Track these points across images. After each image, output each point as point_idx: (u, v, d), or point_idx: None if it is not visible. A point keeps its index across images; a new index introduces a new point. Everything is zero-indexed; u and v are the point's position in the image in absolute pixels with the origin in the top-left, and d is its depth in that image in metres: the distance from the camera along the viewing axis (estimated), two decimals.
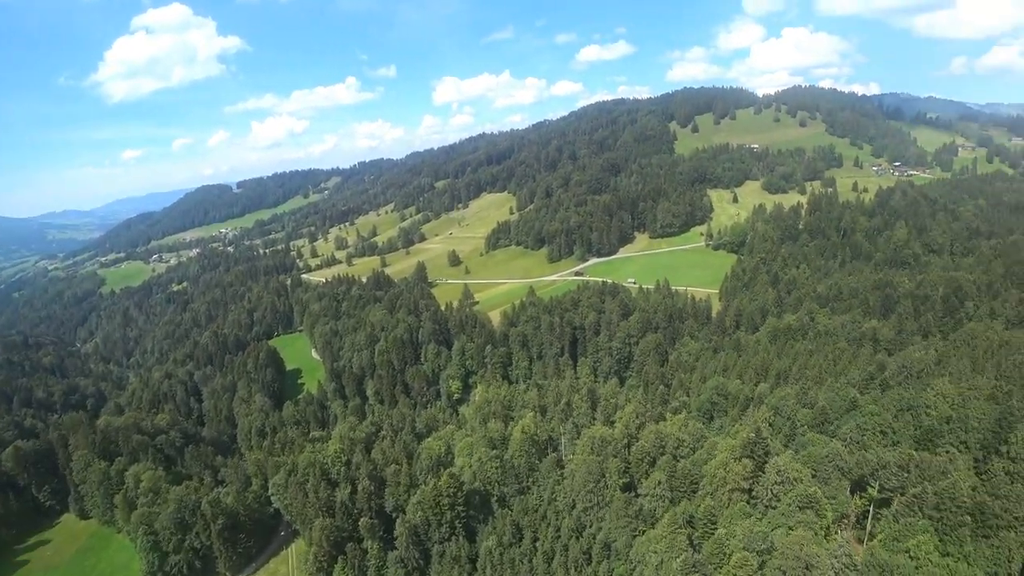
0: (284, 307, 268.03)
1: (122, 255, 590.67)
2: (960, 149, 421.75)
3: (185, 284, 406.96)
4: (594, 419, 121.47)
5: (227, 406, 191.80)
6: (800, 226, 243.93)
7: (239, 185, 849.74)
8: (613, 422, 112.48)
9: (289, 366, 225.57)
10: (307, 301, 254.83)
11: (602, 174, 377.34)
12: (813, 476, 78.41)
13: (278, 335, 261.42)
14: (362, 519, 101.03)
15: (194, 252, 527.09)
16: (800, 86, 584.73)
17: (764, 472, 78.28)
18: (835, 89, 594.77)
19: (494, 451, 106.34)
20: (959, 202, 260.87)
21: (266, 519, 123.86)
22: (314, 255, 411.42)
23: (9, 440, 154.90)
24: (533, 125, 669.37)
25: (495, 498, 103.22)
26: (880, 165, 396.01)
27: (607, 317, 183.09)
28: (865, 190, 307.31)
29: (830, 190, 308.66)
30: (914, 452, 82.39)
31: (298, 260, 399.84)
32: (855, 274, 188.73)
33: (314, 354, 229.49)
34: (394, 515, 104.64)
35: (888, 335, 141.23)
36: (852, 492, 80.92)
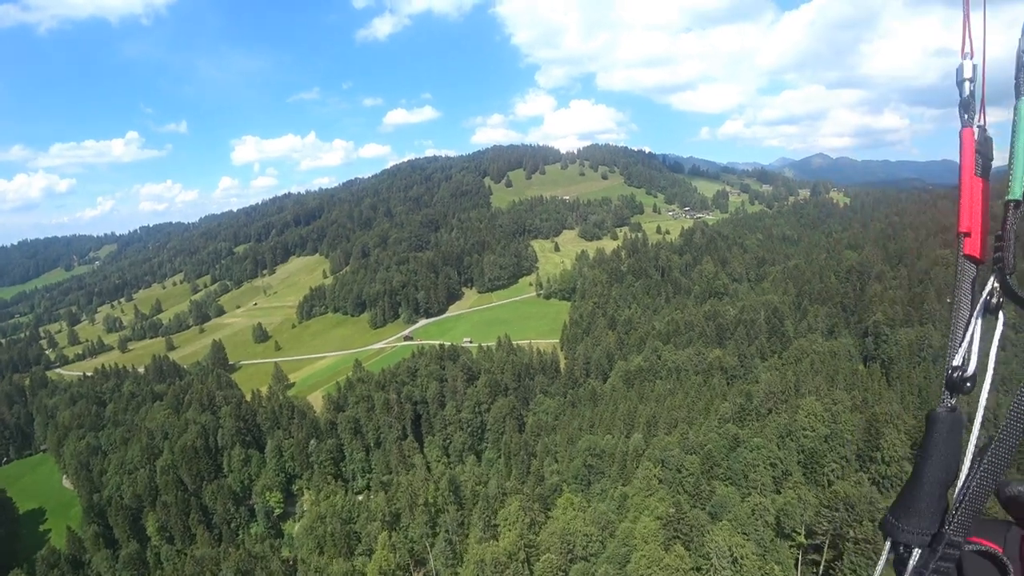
0: (20, 419, 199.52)
1: None
2: (730, 195, 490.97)
3: None
4: (465, 521, 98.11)
5: None
6: (624, 268, 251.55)
7: None
8: (495, 526, 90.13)
9: (25, 506, 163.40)
10: (54, 408, 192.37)
11: (422, 230, 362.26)
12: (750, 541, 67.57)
13: (8, 462, 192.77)
14: None
15: None
16: (598, 144, 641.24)
17: (707, 558, 63.49)
18: (627, 147, 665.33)
19: None
20: (743, 236, 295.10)
21: None
22: (74, 342, 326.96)
23: None
24: (343, 183, 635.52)
25: None
26: (674, 210, 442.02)
27: (451, 385, 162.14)
28: (667, 232, 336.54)
29: (639, 234, 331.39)
30: (837, 487, 78.78)
31: (48, 350, 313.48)
32: (682, 308, 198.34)
33: (66, 483, 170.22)
34: None
35: (732, 362, 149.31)
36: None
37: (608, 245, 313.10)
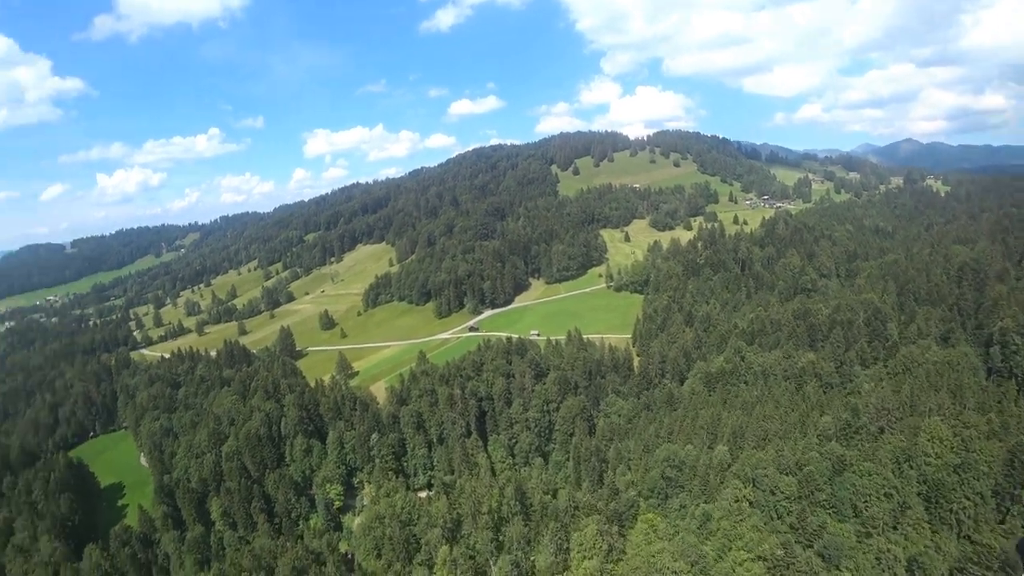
0: (105, 397, 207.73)
1: None
2: (812, 183, 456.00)
3: None
4: (532, 536, 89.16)
5: None
6: (700, 260, 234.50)
7: (74, 244, 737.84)
8: (567, 550, 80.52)
9: (107, 480, 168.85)
10: (134, 387, 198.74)
11: (488, 219, 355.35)
12: None
13: (94, 436, 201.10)
14: None
15: (6, 326, 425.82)
16: (668, 130, 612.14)
17: None
18: (699, 133, 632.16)
19: None
20: (831, 228, 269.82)
21: None
22: (158, 324, 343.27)
23: None
24: (410, 173, 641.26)
25: None
26: (751, 199, 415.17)
27: (518, 381, 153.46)
28: (746, 222, 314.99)
29: (715, 224, 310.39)
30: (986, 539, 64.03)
31: (136, 331, 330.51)
32: (765, 305, 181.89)
33: (142, 460, 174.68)
34: None
35: (827, 368, 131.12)
36: None
37: (682, 235, 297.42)
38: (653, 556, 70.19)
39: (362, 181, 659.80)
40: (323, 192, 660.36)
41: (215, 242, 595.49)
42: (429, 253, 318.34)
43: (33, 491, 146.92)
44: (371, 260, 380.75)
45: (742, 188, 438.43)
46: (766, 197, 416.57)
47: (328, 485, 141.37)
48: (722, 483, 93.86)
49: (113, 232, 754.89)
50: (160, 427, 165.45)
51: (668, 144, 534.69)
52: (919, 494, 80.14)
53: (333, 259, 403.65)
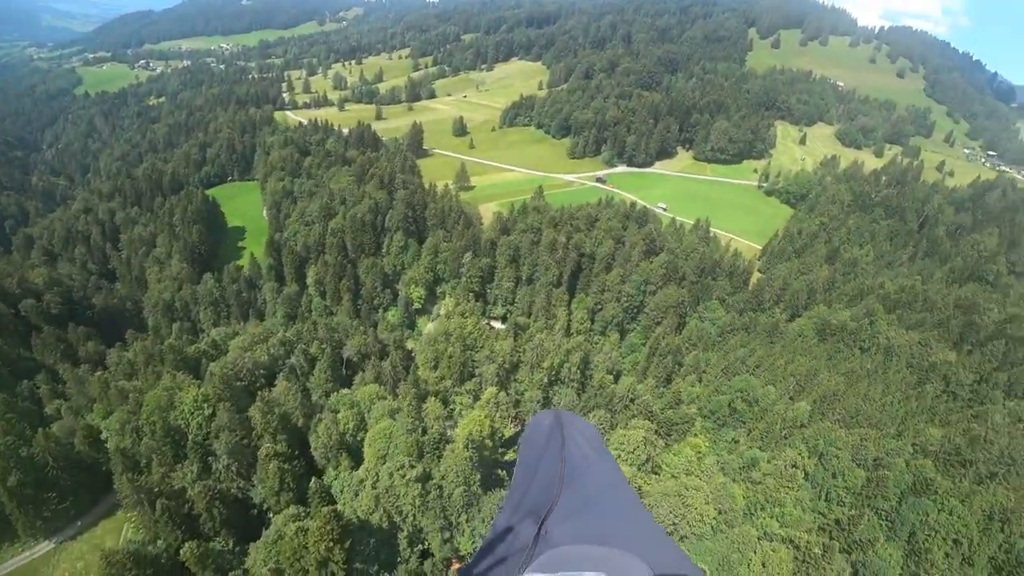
0: (246, 147, 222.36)
1: (108, 55, 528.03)
2: None
3: (163, 99, 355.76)
4: (578, 411, 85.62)
5: (140, 265, 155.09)
6: (876, 197, 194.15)
7: None
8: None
9: (233, 222, 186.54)
10: (271, 145, 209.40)
11: (656, 68, 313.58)
12: None
13: (232, 180, 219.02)
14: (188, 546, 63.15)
15: (184, 64, 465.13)
16: (909, 28, 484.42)
17: None
18: (948, 44, 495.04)
19: (415, 469, 69.41)
20: None
21: (102, 464, 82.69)
22: (306, 90, 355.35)
23: None
24: None
25: (405, 535, 68.08)
26: (973, 149, 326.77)
27: (626, 251, 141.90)
28: (951, 173, 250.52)
29: (913, 161, 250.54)
30: None
31: (285, 93, 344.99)
32: (926, 278, 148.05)
33: (264, 214, 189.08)
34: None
35: (965, 378, 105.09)
36: None
37: (867, 160, 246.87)
38: (686, 489, 63.88)
39: None
40: None
41: (376, 21, 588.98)
42: (582, 86, 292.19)
43: (174, 215, 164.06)
44: (521, 77, 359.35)
45: (968, 133, 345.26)
46: (993, 155, 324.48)
47: (413, 286, 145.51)
48: (786, 439, 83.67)
49: None
50: (283, 188, 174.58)
51: (901, 46, 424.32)
52: (992, 559, 66.89)
53: (484, 66, 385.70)
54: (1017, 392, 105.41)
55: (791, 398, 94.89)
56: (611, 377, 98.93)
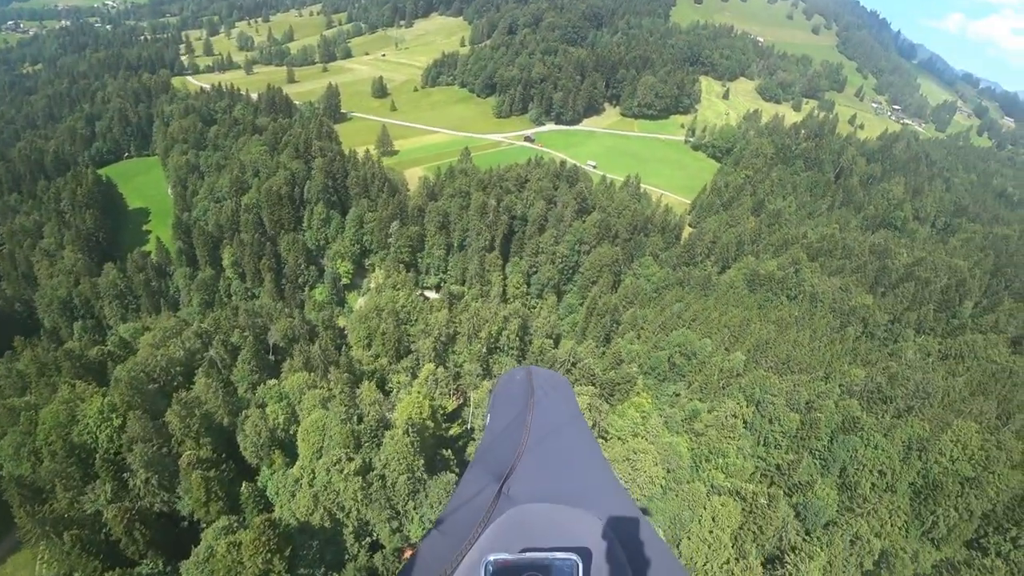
0: (141, 119, 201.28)
1: None
2: (958, 111, 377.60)
3: (39, 67, 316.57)
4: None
5: (26, 259, 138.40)
6: (796, 150, 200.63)
7: None
8: None
9: (135, 203, 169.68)
10: (170, 115, 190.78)
11: (581, 23, 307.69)
12: None
13: (129, 157, 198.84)
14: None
15: (61, 25, 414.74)
16: None
17: None
18: (858, 2, 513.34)
19: (353, 462, 65.13)
20: (953, 171, 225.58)
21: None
22: (208, 52, 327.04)
23: None
24: None
25: (350, 531, 64.24)
26: (880, 103, 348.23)
27: (558, 212, 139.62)
28: (862, 126, 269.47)
29: (828, 115, 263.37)
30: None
31: (184, 56, 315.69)
32: (843, 226, 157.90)
33: (169, 191, 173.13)
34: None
35: (880, 319, 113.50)
36: None
37: (786, 114, 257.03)
38: (635, 453, 63.46)
39: None
40: None
41: None
42: (506, 42, 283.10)
43: (62, 200, 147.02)
44: (442, 34, 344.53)
45: (876, 87, 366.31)
46: (897, 108, 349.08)
47: (339, 260, 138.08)
48: (724, 389, 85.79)
49: None
50: (187, 163, 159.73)
51: (816, 4, 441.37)
52: (911, 484, 72.45)
53: (403, 23, 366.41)
54: (925, 328, 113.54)
55: (727, 349, 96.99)
56: (551, 342, 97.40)
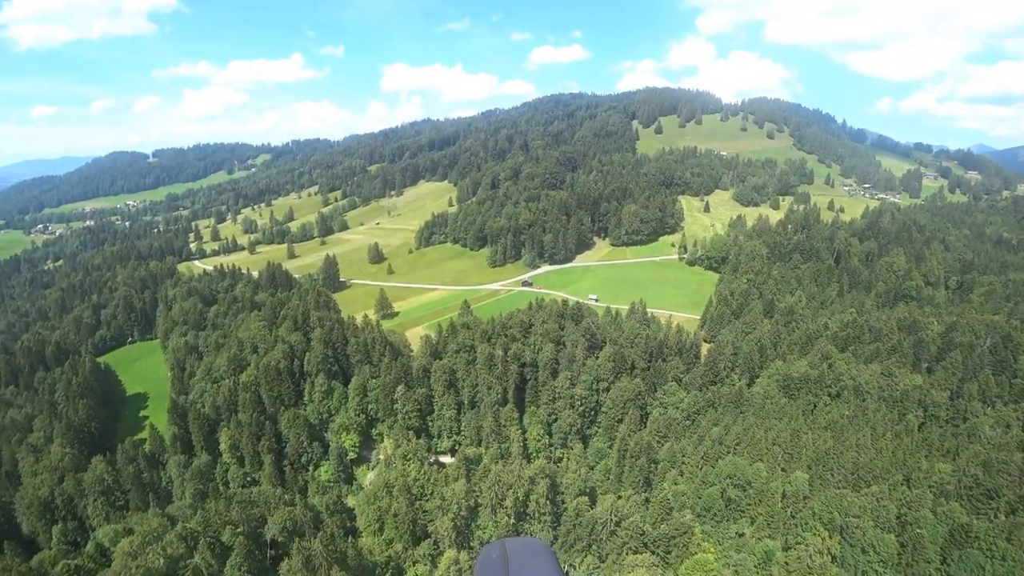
0: (146, 304, 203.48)
1: (2, 223, 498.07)
2: (924, 177, 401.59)
3: (60, 263, 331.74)
4: (562, 549, 71.72)
5: (11, 456, 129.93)
6: (789, 244, 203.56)
7: (155, 154, 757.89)
8: None
9: (133, 389, 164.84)
10: (173, 298, 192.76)
11: (558, 168, 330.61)
12: None
13: (132, 342, 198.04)
14: None
15: (86, 225, 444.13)
16: (766, 98, 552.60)
17: None
18: (800, 105, 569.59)
19: None
20: (944, 230, 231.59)
21: None
22: (215, 238, 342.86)
23: None
24: (483, 113, 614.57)
25: None
26: (851, 185, 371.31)
27: (569, 352, 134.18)
28: (842, 210, 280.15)
29: (806, 206, 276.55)
30: None
31: (193, 243, 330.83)
32: (860, 308, 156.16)
33: (169, 375, 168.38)
34: None
35: (939, 398, 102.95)
36: None
37: (768, 214, 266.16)
38: None
39: (433, 118, 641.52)
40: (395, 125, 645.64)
41: (284, 164, 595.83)
42: (491, 196, 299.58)
43: (56, 391, 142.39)
44: (431, 197, 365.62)
45: (841, 172, 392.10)
46: (867, 186, 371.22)
47: (344, 433, 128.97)
48: (794, 518, 74.37)
49: (191, 146, 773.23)
50: (185, 344, 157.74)
51: (763, 113, 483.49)
52: None
53: (393, 192, 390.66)
54: (990, 397, 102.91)
55: (783, 470, 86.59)
56: (586, 499, 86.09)
